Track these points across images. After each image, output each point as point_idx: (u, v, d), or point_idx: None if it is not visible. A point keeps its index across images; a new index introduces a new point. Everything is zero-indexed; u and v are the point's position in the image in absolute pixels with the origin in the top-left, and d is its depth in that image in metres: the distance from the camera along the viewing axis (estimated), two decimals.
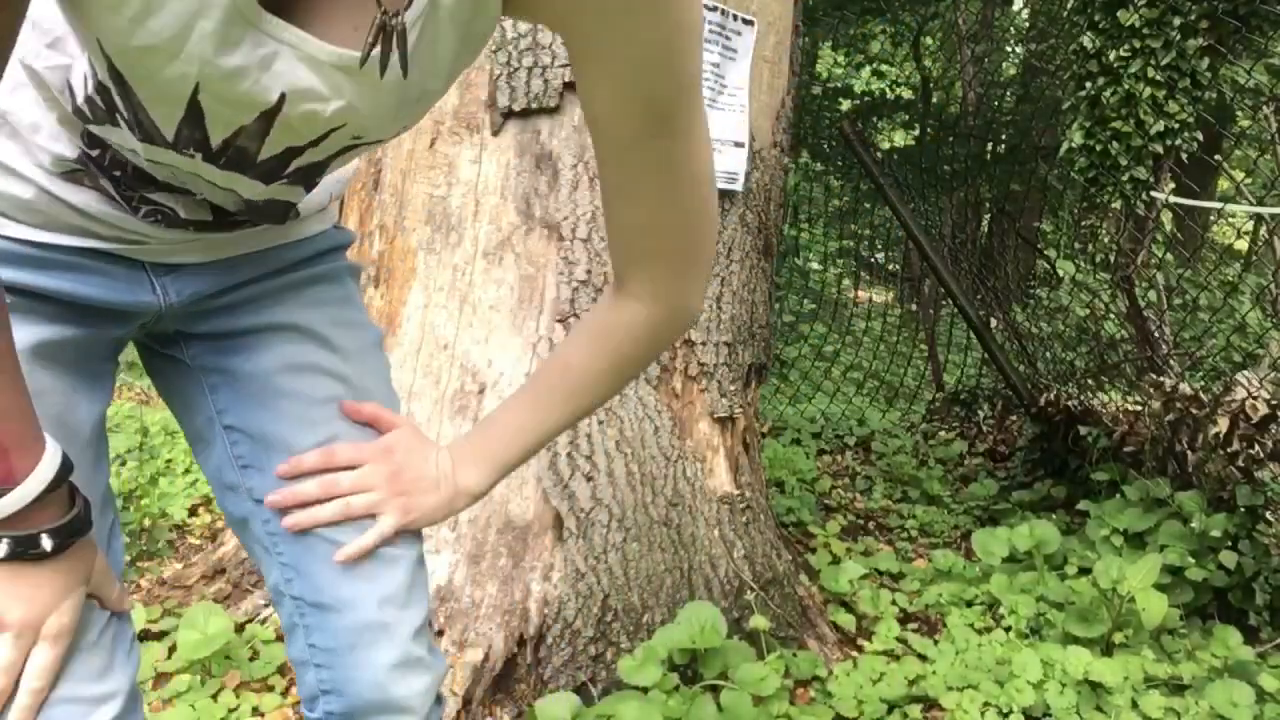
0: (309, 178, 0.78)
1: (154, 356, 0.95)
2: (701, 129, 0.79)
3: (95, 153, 0.73)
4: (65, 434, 0.76)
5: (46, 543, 0.70)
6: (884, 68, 8.09)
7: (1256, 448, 2.58)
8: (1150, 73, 2.93)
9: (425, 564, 0.96)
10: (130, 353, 0.99)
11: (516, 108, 1.95)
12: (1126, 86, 2.97)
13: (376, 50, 0.63)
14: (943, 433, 4.42)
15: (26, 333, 0.74)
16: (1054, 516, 3.02)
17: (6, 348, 0.66)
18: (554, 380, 0.93)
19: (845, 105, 7.90)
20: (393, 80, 0.67)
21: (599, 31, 0.70)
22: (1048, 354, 3.81)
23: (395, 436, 0.92)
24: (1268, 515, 2.43)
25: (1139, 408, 3.05)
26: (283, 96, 0.64)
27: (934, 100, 7.36)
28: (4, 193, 0.73)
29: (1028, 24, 7.75)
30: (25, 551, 0.69)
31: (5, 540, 0.68)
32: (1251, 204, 3.34)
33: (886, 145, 8.16)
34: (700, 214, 0.84)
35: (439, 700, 0.96)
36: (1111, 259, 3.60)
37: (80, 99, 0.69)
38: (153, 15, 0.55)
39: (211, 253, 0.85)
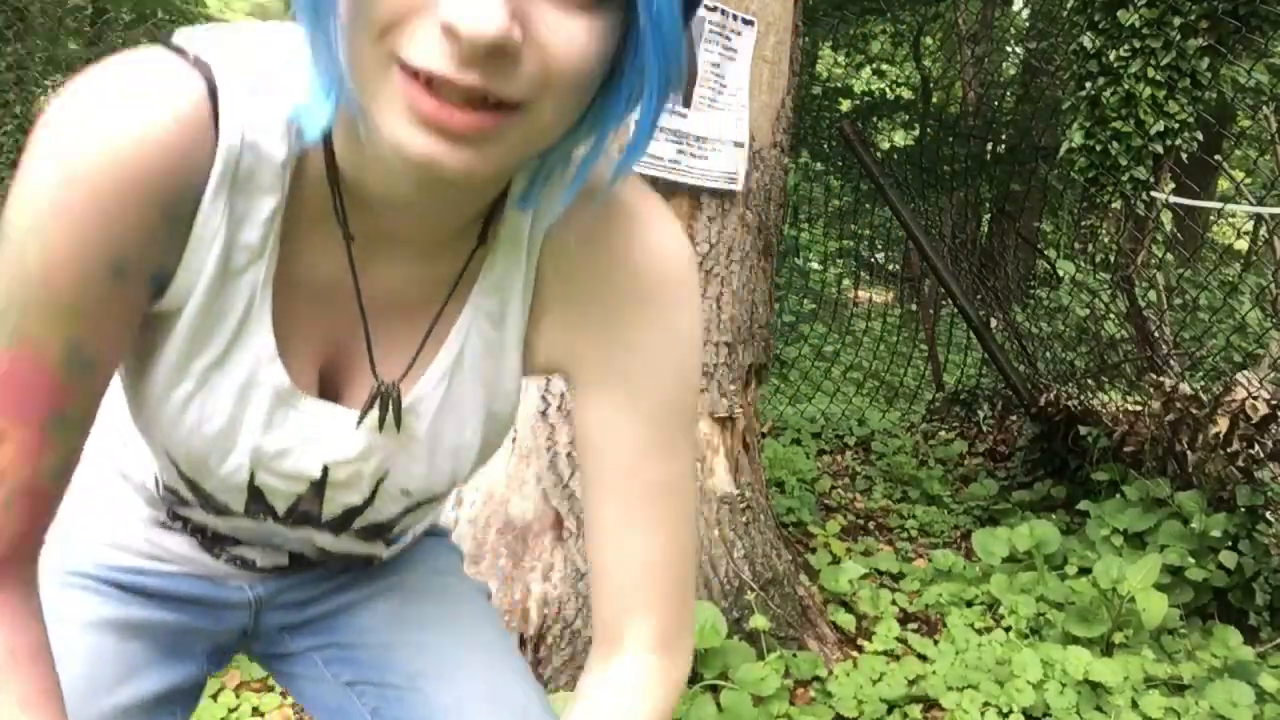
0: (379, 534, 0.84)
1: (273, 667, 0.99)
2: (693, 452, 0.79)
3: (181, 519, 0.84)
4: (114, 699, 0.80)
5: None
6: (884, 68, 8.10)
7: (1256, 448, 2.58)
8: (1150, 73, 2.93)
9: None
10: None
11: None
12: (1126, 86, 2.97)
13: (375, 412, 0.71)
14: (943, 433, 4.42)
15: (111, 610, 0.82)
16: (1054, 516, 3.02)
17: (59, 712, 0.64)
18: None
19: (845, 105, 7.90)
20: (414, 434, 0.73)
21: (614, 340, 0.72)
22: (1048, 354, 3.81)
23: None
24: (1268, 515, 2.43)
25: (1139, 408, 3.05)
26: (325, 468, 0.73)
27: (934, 100, 7.37)
28: (116, 541, 0.84)
29: (1028, 24, 7.75)
30: None
31: None
32: (1251, 204, 3.34)
33: (886, 145, 8.16)
34: (695, 542, 0.83)
35: None
36: (1111, 259, 3.61)
37: (159, 492, 0.80)
38: (207, 421, 0.68)
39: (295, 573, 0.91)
